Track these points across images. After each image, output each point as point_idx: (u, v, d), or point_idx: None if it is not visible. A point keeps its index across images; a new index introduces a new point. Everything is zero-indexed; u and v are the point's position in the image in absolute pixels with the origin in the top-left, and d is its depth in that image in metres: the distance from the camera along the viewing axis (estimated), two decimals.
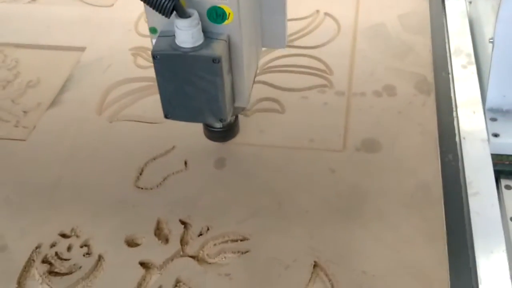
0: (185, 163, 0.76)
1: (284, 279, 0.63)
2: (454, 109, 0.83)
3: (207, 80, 0.60)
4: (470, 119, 0.82)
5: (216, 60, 0.58)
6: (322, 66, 0.90)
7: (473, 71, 0.90)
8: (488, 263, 0.66)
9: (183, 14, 0.56)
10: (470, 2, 1.04)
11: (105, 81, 0.90)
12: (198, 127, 0.81)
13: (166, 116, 0.65)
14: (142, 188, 0.73)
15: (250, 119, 0.83)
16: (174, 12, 0.56)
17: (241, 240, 0.67)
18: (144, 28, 1.01)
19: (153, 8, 0.56)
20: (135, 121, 0.83)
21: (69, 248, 0.67)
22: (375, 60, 0.91)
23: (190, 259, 0.65)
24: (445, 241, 0.66)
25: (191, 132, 0.81)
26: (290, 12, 1.01)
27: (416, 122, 0.80)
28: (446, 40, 0.96)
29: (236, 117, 0.77)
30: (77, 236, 0.68)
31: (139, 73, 0.91)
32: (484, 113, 0.84)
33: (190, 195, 0.72)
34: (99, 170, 0.76)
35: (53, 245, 0.67)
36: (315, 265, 0.64)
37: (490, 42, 0.83)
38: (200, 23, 0.58)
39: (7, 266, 0.65)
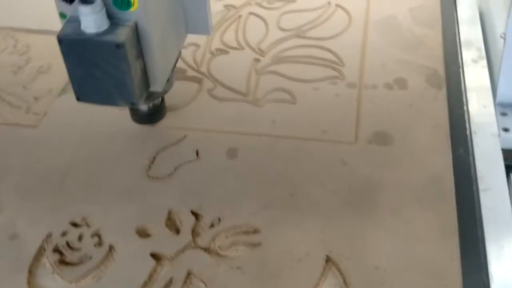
0: (197, 153, 0.73)
1: (296, 272, 0.59)
2: (464, 103, 0.79)
3: (113, 65, 0.58)
4: (480, 113, 0.78)
5: (120, 46, 0.57)
6: (333, 58, 0.86)
7: (483, 65, 0.85)
8: (500, 258, 0.62)
9: (86, 0, 0.55)
10: None
11: None
12: (210, 116, 0.78)
13: (78, 99, 0.63)
14: (153, 178, 0.69)
15: (262, 110, 0.79)
16: None
17: (252, 232, 0.63)
18: None
19: None
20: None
21: (80, 238, 0.63)
22: (386, 52, 0.87)
23: (202, 251, 0.61)
24: (457, 236, 0.62)
25: (203, 120, 0.77)
26: (302, 3, 0.99)
27: (428, 116, 0.76)
28: (457, 33, 0.91)
29: (162, 99, 0.75)
30: (88, 226, 0.64)
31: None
32: (495, 108, 0.80)
33: (202, 185, 0.68)
34: (110, 158, 0.73)
35: (64, 234, 0.64)
36: (327, 259, 0.60)
37: (501, 37, 0.79)
38: (103, 9, 0.56)
39: (18, 255, 0.62)
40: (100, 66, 0.59)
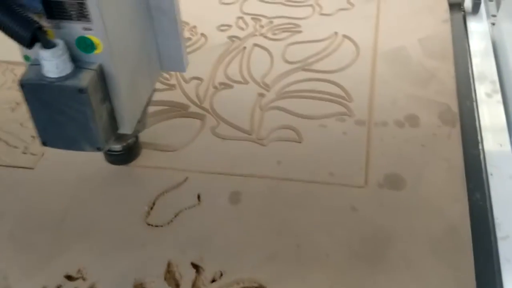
0: (198, 197, 0.68)
1: None
2: (480, 141, 0.75)
3: (76, 110, 0.55)
4: (497, 153, 0.73)
5: (82, 91, 0.53)
6: (341, 92, 0.82)
7: (498, 99, 0.81)
8: None
9: (46, 44, 0.52)
10: (493, 24, 0.96)
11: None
12: (212, 157, 0.74)
13: (44, 144, 0.60)
14: (152, 225, 0.65)
15: (266, 149, 0.75)
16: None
17: None
18: None
19: (11, 38, 0.51)
20: (146, 148, 0.76)
21: None
22: (396, 87, 0.82)
23: None
24: None
25: (205, 161, 0.73)
26: (308, 33, 0.96)
27: (442, 157, 0.71)
28: (469, 66, 0.87)
29: (137, 138, 0.71)
30: (84, 279, 0.60)
31: (154, 96, 0.83)
32: None
33: (203, 234, 0.64)
34: (109, 202, 0.68)
35: None
36: None
37: None
38: (66, 52, 0.53)
39: None
40: (63, 111, 0.55)
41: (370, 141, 0.74)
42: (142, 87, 0.64)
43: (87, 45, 0.54)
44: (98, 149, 0.59)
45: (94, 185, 0.71)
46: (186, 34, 0.95)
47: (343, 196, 0.68)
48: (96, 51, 0.54)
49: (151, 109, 0.81)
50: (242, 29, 0.96)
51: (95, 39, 0.53)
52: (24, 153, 0.75)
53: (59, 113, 0.55)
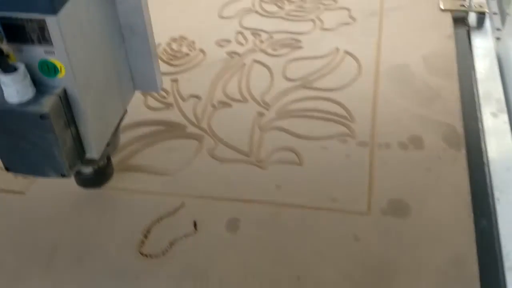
0: (195, 224, 0.65)
1: None
2: (486, 165, 0.72)
3: (39, 136, 0.53)
4: (503, 177, 0.70)
5: (44, 116, 0.51)
6: (343, 112, 0.79)
7: (504, 120, 0.78)
8: None
9: (6, 69, 0.49)
10: (498, 39, 0.93)
11: None
12: (209, 180, 0.71)
13: (7, 170, 0.57)
14: (146, 256, 0.62)
15: (266, 172, 0.72)
16: None
17: None
18: None
19: None
20: (142, 172, 0.73)
21: None
22: (400, 106, 0.79)
23: None
24: None
25: (202, 186, 0.70)
26: (309, 49, 0.93)
27: (447, 182, 0.68)
28: (474, 83, 0.84)
29: (108, 159, 0.68)
30: None
31: (150, 115, 0.81)
32: None
33: (199, 265, 0.61)
34: (102, 229, 0.65)
35: None
36: None
37: None
38: (27, 77, 0.50)
39: None
40: (25, 137, 0.53)
41: (373, 164, 0.71)
42: (111, 109, 0.61)
43: (50, 69, 0.51)
44: (63, 176, 0.56)
45: (87, 212, 0.68)
46: (185, 49, 0.92)
47: (346, 224, 0.65)
48: (60, 75, 0.51)
49: (146, 129, 0.78)
50: (241, 44, 0.93)
51: (57, 63, 0.51)
52: (16, 177, 0.72)
53: (22, 139, 0.53)
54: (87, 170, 0.67)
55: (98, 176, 0.69)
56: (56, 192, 0.70)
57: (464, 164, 0.71)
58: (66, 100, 0.53)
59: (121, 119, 0.64)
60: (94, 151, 0.58)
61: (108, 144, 0.61)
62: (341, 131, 0.76)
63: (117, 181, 0.71)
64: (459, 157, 0.71)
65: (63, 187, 0.70)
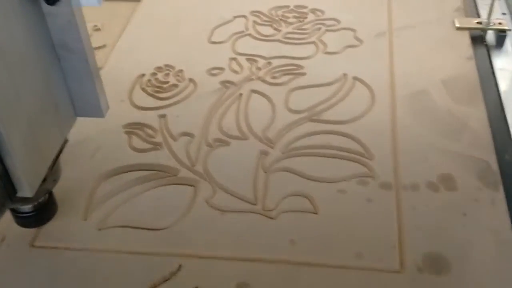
0: None
1: None
2: None
3: None
4: None
5: None
6: (359, 148, 0.70)
7: None
8: None
9: None
10: None
11: (92, 172, 0.69)
12: (210, 236, 0.61)
13: None
14: None
15: (276, 223, 0.62)
16: None
17: None
18: (141, 98, 0.80)
19: None
20: (130, 227, 0.63)
21: None
22: (424, 140, 0.71)
23: None
24: None
25: (202, 242, 0.61)
26: (313, 75, 0.84)
27: (487, 228, 0.60)
28: (502, 110, 0.76)
29: (50, 194, 0.61)
30: None
31: (135, 158, 0.71)
32: None
33: None
34: None
35: None
36: None
37: None
38: None
39: None
40: None
41: (400, 210, 0.63)
42: (45, 140, 0.53)
43: None
44: None
45: (67, 278, 0.58)
46: (172, 79, 0.83)
47: (375, 285, 0.55)
48: None
49: (132, 175, 0.69)
50: (236, 72, 0.84)
51: None
52: None
53: None
54: (26, 208, 0.60)
55: (38, 214, 0.61)
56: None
57: (504, 207, 0.62)
58: None
59: (61, 150, 0.57)
60: (26, 189, 0.50)
61: (45, 179, 0.54)
62: (359, 171, 0.68)
63: (98, 241, 0.61)
64: (498, 198, 0.63)
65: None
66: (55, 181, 0.59)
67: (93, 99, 0.57)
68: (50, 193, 0.61)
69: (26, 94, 0.48)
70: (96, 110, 0.58)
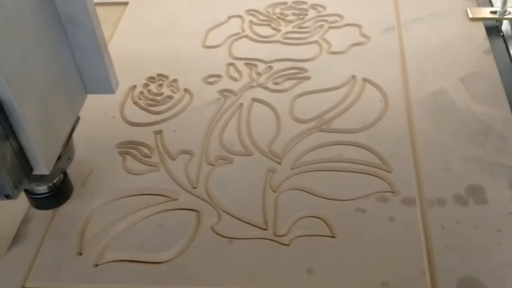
0: None
1: None
2: None
3: None
4: None
5: None
6: (375, 159, 0.65)
7: None
8: None
9: None
10: None
11: (85, 200, 0.63)
12: (218, 267, 0.56)
13: None
14: None
15: (290, 250, 0.57)
16: None
17: None
18: (133, 113, 0.74)
19: None
20: (130, 261, 0.57)
21: None
22: (446, 146, 0.65)
23: None
24: None
25: (210, 275, 0.55)
26: (319, 79, 0.78)
27: None
28: None
29: (65, 174, 0.62)
30: None
31: (131, 182, 0.65)
32: None
33: None
34: None
35: None
36: None
37: None
38: None
39: None
40: None
41: (427, 228, 0.57)
42: (58, 116, 0.54)
43: None
44: (7, 197, 0.49)
45: None
46: (166, 91, 0.77)
47: None
48: None
49: (128, 201, 0.63)
50: (235, 79, 0.78)
51: None
52: None
53: None
54: (41, 189, 0.60)
55: (55, 195, 0.62)
56: None
57: None
58: (1, 109, 0.46)
59: (74, 127, 0.59)
60: (42, 166, 0.52)
61: (59, 157, 0.55)
62: (378, 186, 0.62)
63: (95, 279, 0.56)
64: None
65: None
66: (69, 159, 0.60)
67: (103, 75, 0.57)
68: (65, 174, 0.62)
69: (35, 69, 0.49)
70: (106, 86, 0.58)
